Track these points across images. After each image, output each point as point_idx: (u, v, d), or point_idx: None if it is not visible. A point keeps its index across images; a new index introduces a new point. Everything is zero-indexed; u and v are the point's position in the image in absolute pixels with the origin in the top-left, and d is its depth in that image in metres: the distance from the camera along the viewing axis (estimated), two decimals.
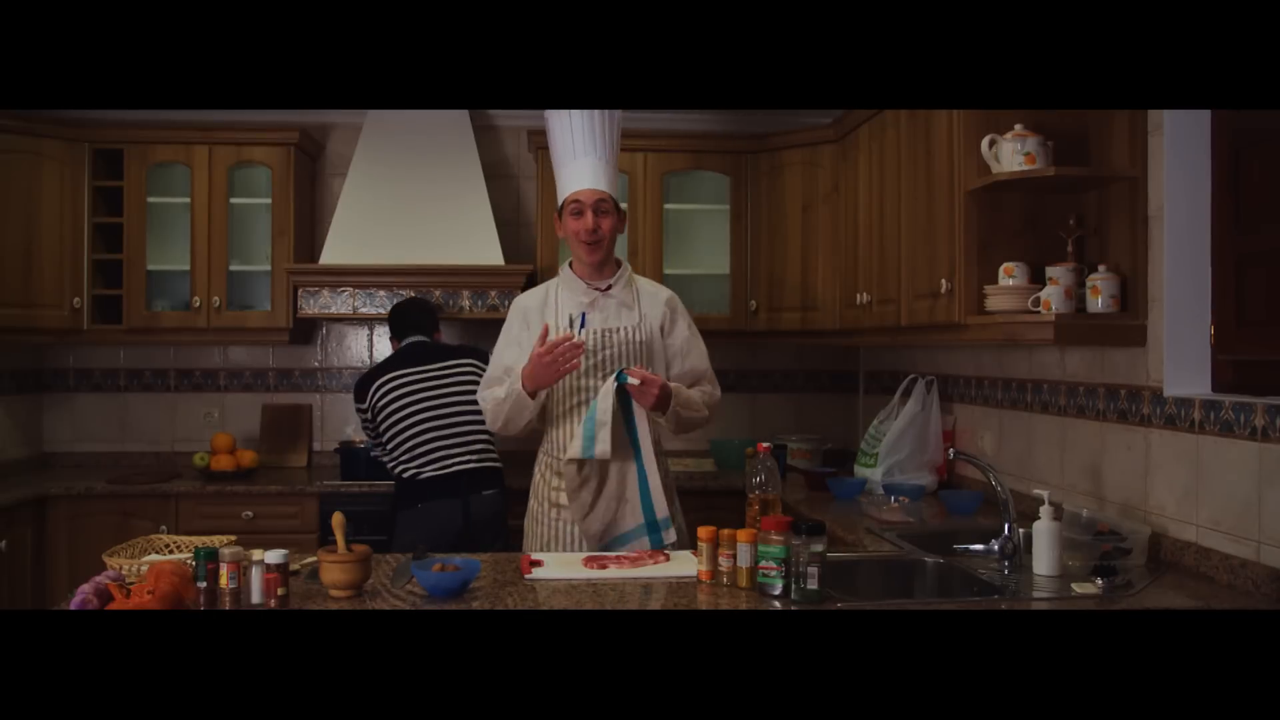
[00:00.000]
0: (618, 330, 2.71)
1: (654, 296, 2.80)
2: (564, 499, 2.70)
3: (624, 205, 2.75)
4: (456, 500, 3.36)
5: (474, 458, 3.41)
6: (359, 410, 3.53)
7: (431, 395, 3.42)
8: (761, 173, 4.36)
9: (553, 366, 2.51)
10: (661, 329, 2.76)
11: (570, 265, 2.79)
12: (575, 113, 2.69)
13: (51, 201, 4.09)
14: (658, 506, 2.63)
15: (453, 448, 3.40)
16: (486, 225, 4.20)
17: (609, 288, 2.75)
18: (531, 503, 2.84)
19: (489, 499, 3.41)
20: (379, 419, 3.45)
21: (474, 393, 3.43)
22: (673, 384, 2.65)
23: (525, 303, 2.82)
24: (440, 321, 3.86)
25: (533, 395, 2.59)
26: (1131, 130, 2.61)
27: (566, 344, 2.50)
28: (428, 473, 3.38)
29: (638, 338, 2.72)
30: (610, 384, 2.57)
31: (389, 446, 3.45)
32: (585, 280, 2.75)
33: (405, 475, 3.42)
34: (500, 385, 2.73)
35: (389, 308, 3.99)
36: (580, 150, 2.69)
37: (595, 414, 2.58)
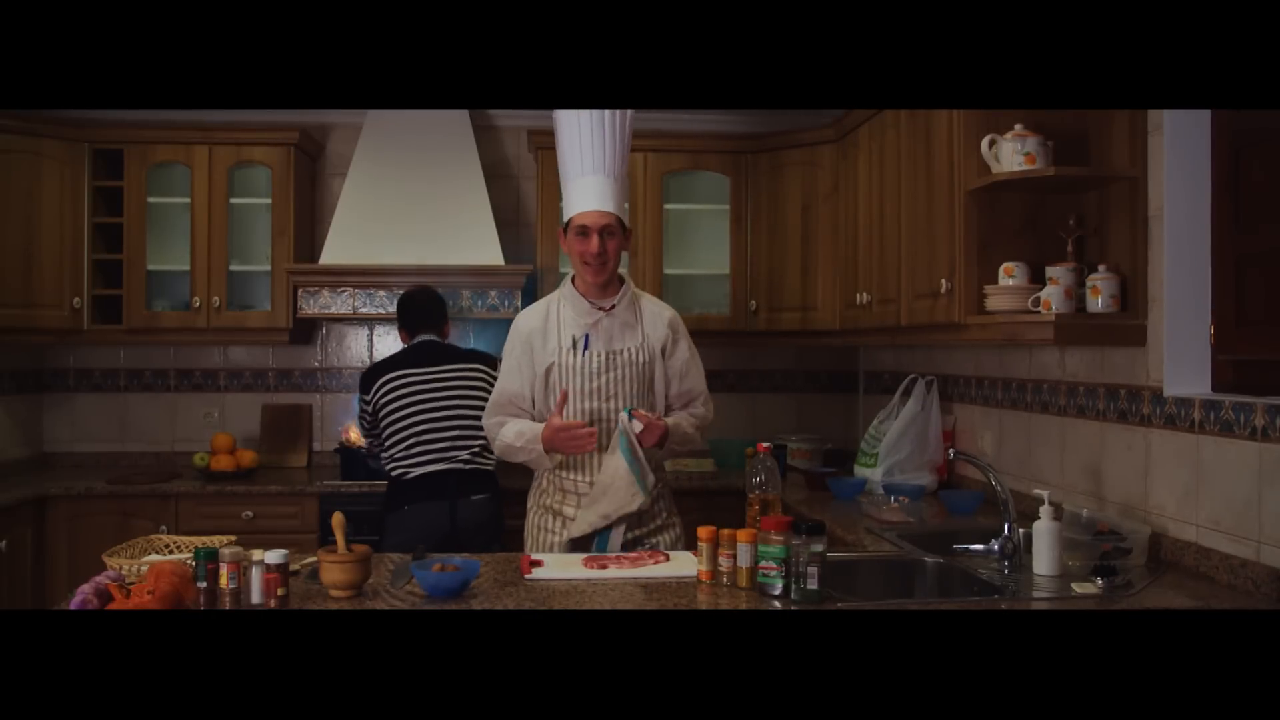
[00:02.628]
0: (621, 352, 2.69)
1: (657, 316, 2.77)
2: (567, 509, 2.69)
3: (628, 224, 2.73)
4: (443, 503, 3.35)
5: (465, 460, 3.41)
6: (362, 400, 3.55)
7: (433, 396, 3.42)
8: (761, 173, 4.36)
9: (570, 445, 2.57)
10: (663, 350, 2.74)
11: (573, 280, 2.74)
12: (584, 126, 2.62)
13: (51, 201, 4.08)
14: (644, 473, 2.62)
15: (446, 449, 3.40)
16: (486, 225, 4.20)
17: (612, 308, 2.70)
18: (531, 514, 2.80)
19: (478, 504, 3.39)
20: (380, 413, 3.46)
21: (477, 398, 3.44)
22: (670, 421, 2.67)
23: (526, 325, 2.74)
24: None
25: (548, 452, 2.63)
26: (1131, 130, 2.61)
27: (584, 432, 2.54)
28: (416, 471, 3.38)
29: (640, 359, 2.70)
30: (624, 421, 2.57)
31: (385, 442, 3.46)
32: (589, 299, 2.70)
33: (395, 473, 3.43)
34: (510, 421, 2.73)
35: (389, 307, 4.00)
36: (589, 167, 2.63)
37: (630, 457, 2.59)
